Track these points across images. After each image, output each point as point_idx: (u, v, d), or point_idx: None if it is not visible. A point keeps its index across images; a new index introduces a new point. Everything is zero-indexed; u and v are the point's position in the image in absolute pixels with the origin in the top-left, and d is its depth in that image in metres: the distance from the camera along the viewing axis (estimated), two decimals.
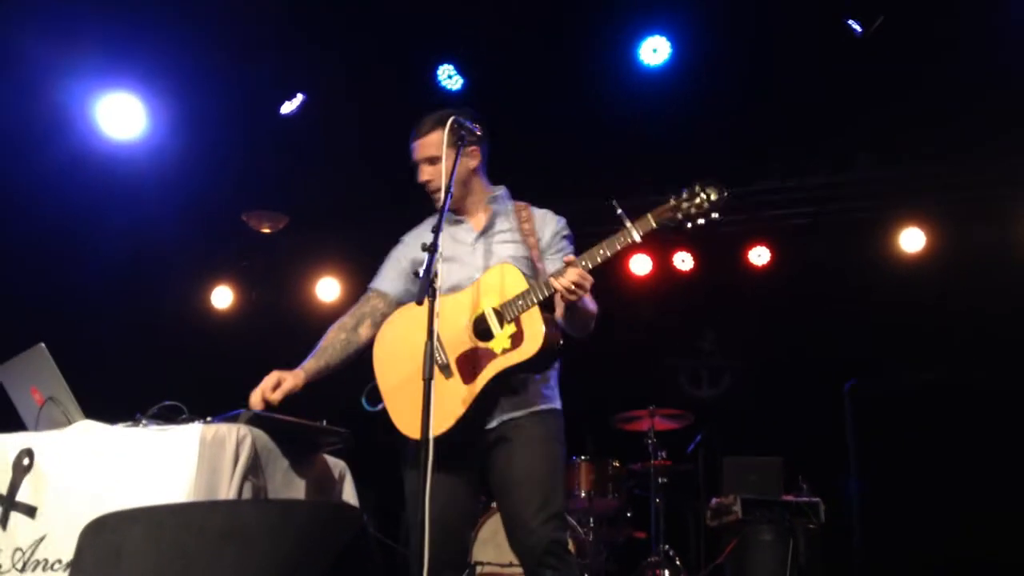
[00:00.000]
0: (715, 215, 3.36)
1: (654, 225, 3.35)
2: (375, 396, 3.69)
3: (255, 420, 3.29)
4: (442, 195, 3.36)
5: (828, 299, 7.46)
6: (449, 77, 6.81)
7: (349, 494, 3.69)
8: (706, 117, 6.75)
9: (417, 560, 2.87)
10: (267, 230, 8.07)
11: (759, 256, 7.96)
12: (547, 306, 3.42)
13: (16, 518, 3.14)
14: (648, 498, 6.72)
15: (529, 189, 7.65)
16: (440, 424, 3.25)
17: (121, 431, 3.21)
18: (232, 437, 3.16)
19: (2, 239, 6.68)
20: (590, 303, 3.48)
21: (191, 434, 3.12)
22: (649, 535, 6.74)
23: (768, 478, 6.43)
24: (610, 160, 6.93)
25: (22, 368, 3.46)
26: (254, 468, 3.20)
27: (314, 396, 7.41)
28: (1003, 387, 6.47)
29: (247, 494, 3.13)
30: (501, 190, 3.82)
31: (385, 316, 3.73)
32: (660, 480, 6.73)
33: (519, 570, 6.03)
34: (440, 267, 3.46)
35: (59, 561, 3.03)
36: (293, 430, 3.45)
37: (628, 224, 3.34)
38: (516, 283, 3.43)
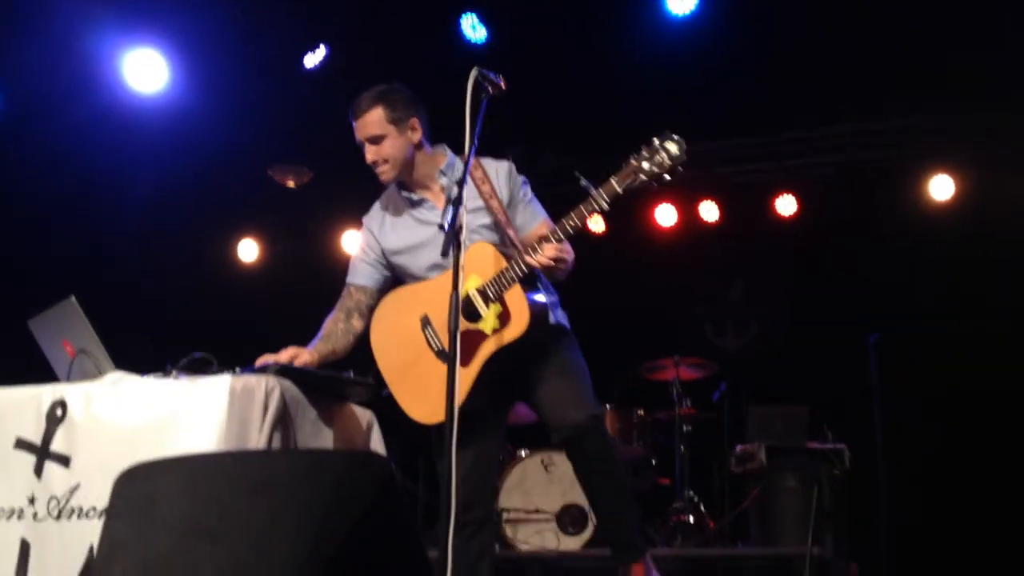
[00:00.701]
0: (679, 168, 3.35)
1: (619, 190, 3.36)
2: (382, 382, 3.72)
3: (283, 371, 3.34)
4: (467, 150, 3.33)
5: (855, 248, 7.41)
6: (473, 28, 6.75)
7: (377, 443, 3.74)
8: (732, 67, 6.68)
9: (446, 520, 2.91)
10: (292, 184, 8.09)
11: (786, 205, 7.90)
12: (528, 280, 3.45)
13: (50, 467, 3.20)
14: (673, 446, 6.76)
15: (553, 140, 7.69)
16: (443, 408, 3.23)
17: (152, 382, 3.26)
18: (261, 388, 3.20)
19: (32, 194, 6.74)
20: (571, 253, 3.53)
21: (221, 385, 3.17)
22: (674, 482, 6.79)
23: (793, 426, 6.44)
24: (634, 112, 6.86)
25: (53, 321, 3.51)
26: (283, 419, 3.24)
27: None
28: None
29: (276, 444, 3.18)
30: (447, 155, 3.79)
31: (371, 308, 3.77)
32: (685, 428, 6.76)
33: (544, 515, 6.14)
34: (403, 259, 3.66)
35: (93, 509, 3.10)
36: (320, 381, 3.49)
37: (594, 192, 3.36)
38: (494, 260, 3.46)
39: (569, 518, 6.12)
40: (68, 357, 3.45)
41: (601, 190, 3.37)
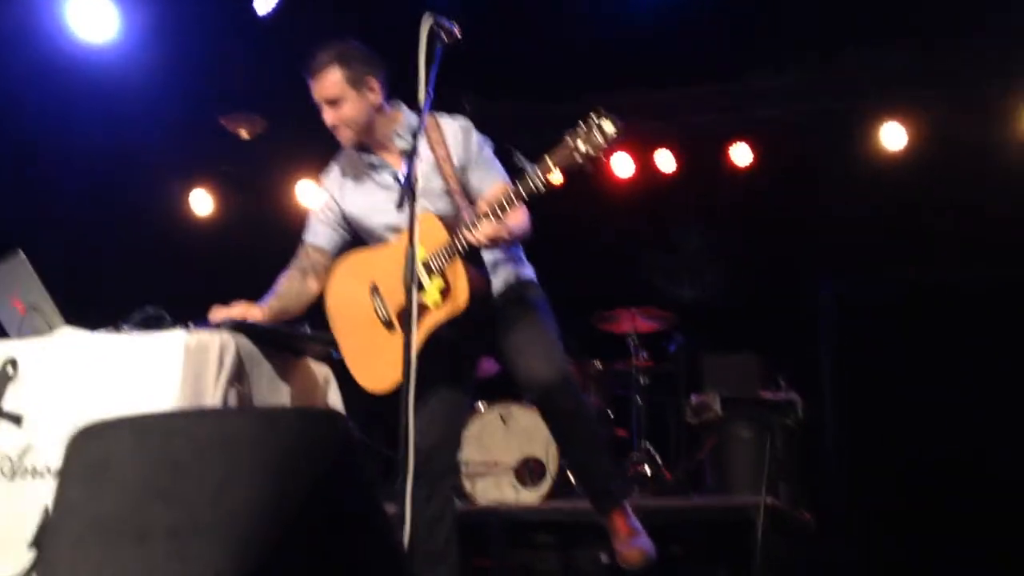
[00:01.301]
0: (611, 146, 3.32)
1: (553, 169, 3.30)
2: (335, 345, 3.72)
3: (238, 326, 3.30)
4: (422, 100, 3.29)
5: (811, 197, 7.44)
6: None
7: (334, 399, 3.73)
8: (686, 14, 6.63)
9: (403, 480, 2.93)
10: (245, 134, 7.96)
11: (741, 154, 7.91)
12: (471, 253, 3.44)
13: (2, 426, 3.16)
14: (630, 397, 6.80)
15: (508, 87, 7.63)
16: (390, 376, 3.31)
17: (104, 338, 3.22)
18: (216, 344, 3.18)
19: None
20: (519, 229, 3.51)
21: (175, 341, 3.14)
22: (631, 433, 6.84)
23: (746, 376, 6.52)
24: (589, 60, 6.82)
25: (1, 277, 3.44)
26: (239, 374, 3.22)
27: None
28: (984, 287, 6.53)
29: (232, 400, 3.16)
30: (404, 113, 3.70)
31: (327, 268, 3.73)
32: (642, 380, 6.80)
33: (502, 468, 6.16)
34: (361, 222, 3.64)
35: (47, 468, 3.07)
36: (276, 336, 3.47)
37: (529, 171, 3.31)
38: (438, 232, 3.42)
39: (527, 471, 6.16)
40: (18, 314, 3.39)
41: (537, 169, 3.31)
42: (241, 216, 8.50)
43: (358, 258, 3.73)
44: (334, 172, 3.81)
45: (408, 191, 3.15)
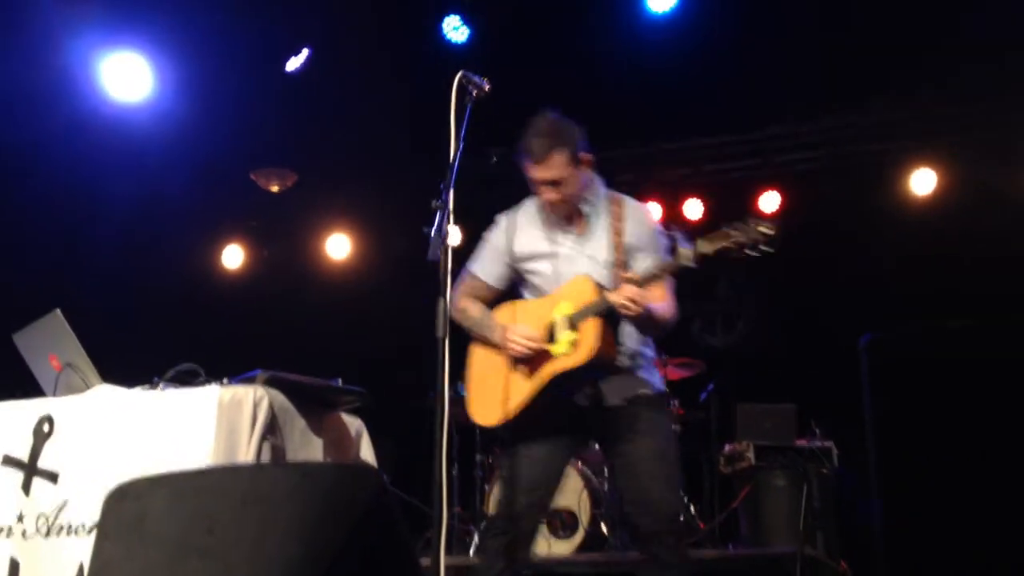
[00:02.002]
0: (768, 249, 3.40)
1: (709, 253, 3.42)
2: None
3: (271, 381, 3.31)
4: (453, 154, 3.32)
5: (840, 243, 7.41)
6: (455, 28, 6.74)
7: (366, 452, 3.72)
8: (714, 64, 6.68)
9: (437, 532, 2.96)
10: (276, 188, 8.05)
11: (770, 201, 7.91)
12: (612, 317, 3.51)
13: (39, 484, 3.18)
14: None
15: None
16: (498, 411, 3.60)
17: (139, 395, 3.24)
18: (249, 398, 3.18)
19: (11, 206, 6.68)
20: (660, 311, 3.56)
21: (209, 396, 3.15)
22: None
23: (781, 424, 6.44)
24: (617, 110, 6.87)
25: (39, 335, 3.48)
26: (272, 428, 3.23)
27: (329, 355, 7.44)
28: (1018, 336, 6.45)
29: (266, 454, 3.16)
30: (599, 187, 3.79)
31: (486, 301, 3.83)
32: (674, 427, 6.74)
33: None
34: (541, 265, 3.71)
35: (82, 526, 3.07)
36: (309, 390, 3.47)
37: (684, 249, 3.44)
38: (588, 293, 3.53)
39: (560, 522, 6.11)
40: (54, 371, 3.42)
41: (695, 249, 3.43)
42: (272, 268, 8.57)
43: (510, 308, 3.79)
44: (510, 217, 3.87)
45: (440, 242, 3.16)
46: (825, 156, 7.79)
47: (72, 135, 6.53)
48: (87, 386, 3.34)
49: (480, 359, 3.78)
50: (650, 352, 3.76)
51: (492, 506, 6.11)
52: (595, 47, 6.68)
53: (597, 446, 6.26)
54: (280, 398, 3.31)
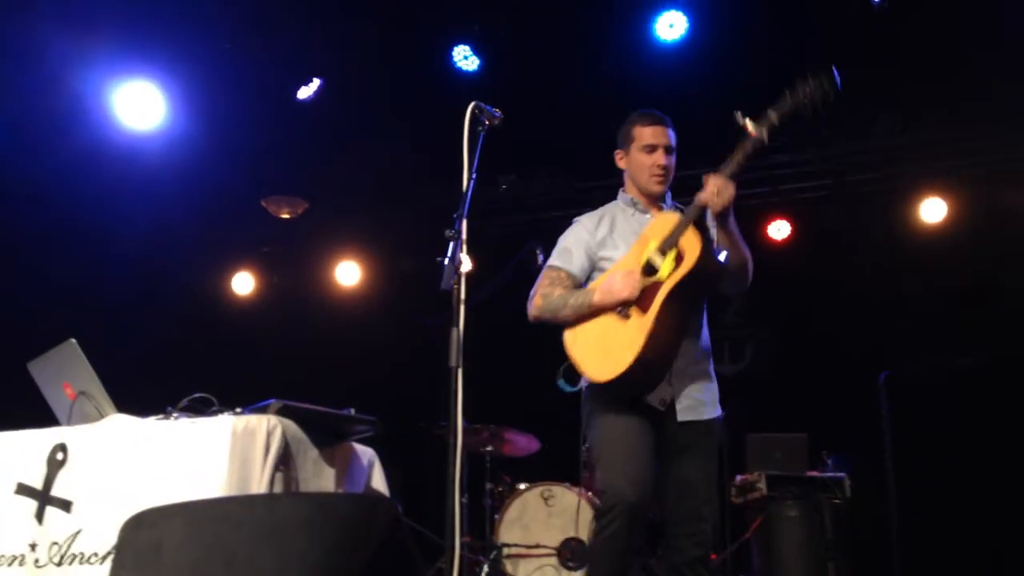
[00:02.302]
0: (832, 97, 3.51)
1: (776, 122, 3.55)
2: (571, 374, 3.91)
3: (284, 410, 3.31)
4: (465, 184, 3.34)
5: (850, 272, 7.40)
6: (465, 58, 6.78)
7: (379, 482, 3.71)
8: (721, 91, 6.69)
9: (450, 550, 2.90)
10: (286, 215, 8.08)
11: (779, 230, 7.90)
12: (702, 228, 3.62)
13: (52, 512, 3.17)
14: None
15: (543, 167, 7.71)
16: (622, 360, 3.53)
17: (153, 424, 3.24)
18: (262, 428, 3.18)
19: (26, 235, 6.71)
20: (743, 245, 3.72)
21: (222, 426, 3.14)
22: None
23: (793, 454, 6.40)
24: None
25: (53, 363, 3.49)
26: (284, 458, 3.22)
27: (338, 382, 7.45)
28: None
29: (278, 484, 3.15)
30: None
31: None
32: None
33: (544, 551, 6.09)
34: (611, 258, 3.79)
35: (95, 555, 3.06)
36: (322, 419, 3.47)
37: (751, 127, 3.55)
38: (672, 220, 3.66)
39: (570, 552, 6.07)
40: (68, 400, 3.42)
41: (759, 124, 3.56)
42: (281, 296, 8.59)
43: (603, 275, 3.82)
44: (593, 216, 3.99)
45: (453, 271, 3.17)
46: (833, 184, 7.78)
47: (85, 163, 6.57)
48: (101, 415, 3.34)
49: (583, 331, 3.74)
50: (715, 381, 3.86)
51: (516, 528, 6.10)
52: (604, 75, 6.71)
53: None
54: (293, 428, 3.30)
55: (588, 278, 3.88)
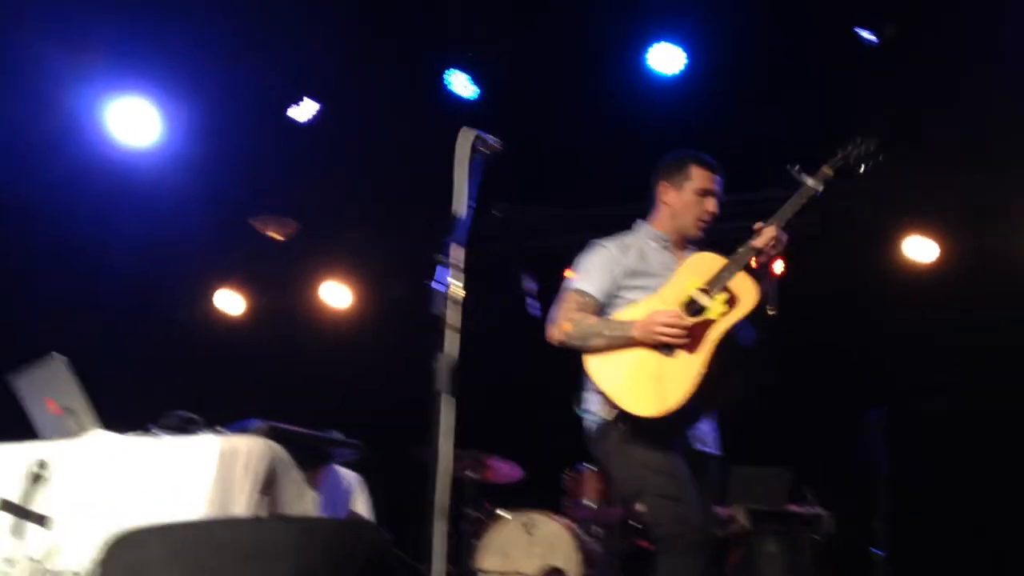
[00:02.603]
0: (879, 158, 3.78)
1: (831, 175, 3.70)
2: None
3: (269, 431, 3.30)
4: (462, 209, 3.33)
5: (837, 309, 7.42)
6: (463, 86, 6.79)
7: (362, 505, 3.70)
8: (713, 126, 6.73)
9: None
10: (276, 235, 8.07)
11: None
12: (752, 270, 3.63)
13: (30, 528, 3.14)
14: None
15: (539, 196, 7.73)
16: (672, 396, 3.48)
17: (136, 442, 3.22)
18: (246, 449, 3.17)
19: (14, 249, 6.68)
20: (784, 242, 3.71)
21: (206, 445, 3.13)
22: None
23: (775, 489, 6.40)
24: (620, 168, 6.92)
25: (37, 378, 3.47)
26: (268, 480, 3.21)
27: (324, 404, 7.42)
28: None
29: (261, 505, 3.14)
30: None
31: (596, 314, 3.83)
32: None
33: None
34: (653, 281, 3.74)
35: (74, 572, 3.03)
36: (306, 441, 3.46)
37: (808, 180, 3.68)
38: (716, 263, 3.63)
39: None
40: (51, 415, 3.40)
41: (815, 178, 3.69)
42: (269, 315, 8.56)
43: (634, 306, 3.75)
44: (618, 241, 3.92)
45: (444, 296, 3.17)
46: (821, 221, 7.80)
47: (78, 180, 6.55)
48: (84, 431, 3.32)
49: (614, 362, 3.65)
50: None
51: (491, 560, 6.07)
52: (599, 107, 6.74)
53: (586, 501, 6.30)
54: (277, 449, 3.29)
55: (608, 303, 3.82)
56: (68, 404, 3.36)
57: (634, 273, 3.79)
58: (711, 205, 3.86)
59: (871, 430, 6.08)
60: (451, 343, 3.14)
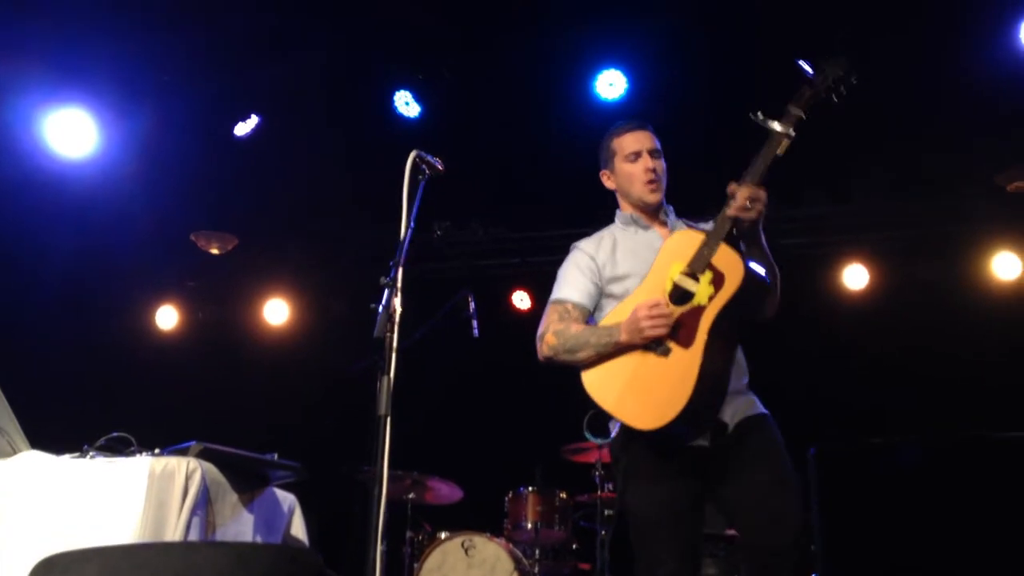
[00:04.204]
0: (852, 80, 3.35)
1: (802, 115, 3.33)
2: (596, 424, 3.65)
3: (205, 453, 3.25)
4: (404, 232, 3.32)
5: (771, 337, 7.48)
6: (406, 104, 6.79)
7: (298, 528, 3.66)
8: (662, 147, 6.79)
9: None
10: (216, 251, 7.97)
11: None
12: (733, 243, 3.30)
13: None
14: (594, 530, 6.71)
15: (478, 215, 7.74)
16: (672, 404, 3.14)
17: (68, 463, 3.16)
18: (181, 470, 3.12)
19: None
20: (772, 260, 3.40)
21: (139, 467, 3.08)
22: (594, 567, 6.73)
23: (712, 511, 6.43)
24: (564, 192, 6.95)
25: None
26: (203, 502, 3.16)
27: (258, 421, 7.31)
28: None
29: (195, 528, 3.09)
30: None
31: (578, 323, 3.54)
32: (606, 512, 6.72)
33: None
34: (621, 284, 3.49)
35: None
36: (244, 463, 3.42)
37: (776, 126, 3.33)
38: (693, 240, 3.31)
39: None
40: None
41: (783, 122, 3.32)
42: (207, 331, 8.45)
43: (618, 309, 3.42)
44: (592, 241, 3.68)
45: (387, 319, 3.14)
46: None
47: (11, 190, 6.42)
48: (14, 451, 3.25)
49: (609, 373, 3.35)
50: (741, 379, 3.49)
51: None
52: (543, 129, 6.77)
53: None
54: (213, 471, 3.25)
55: (597, 307, 3.57)
56: None
57: (606, 265, 3.55)
58: (646, 162, 3.58)
59: (809, 466, 6.13)
60: (393, 364, 3.12)
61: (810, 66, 3.38)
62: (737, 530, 3.40)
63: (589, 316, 3.54)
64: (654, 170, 3.59)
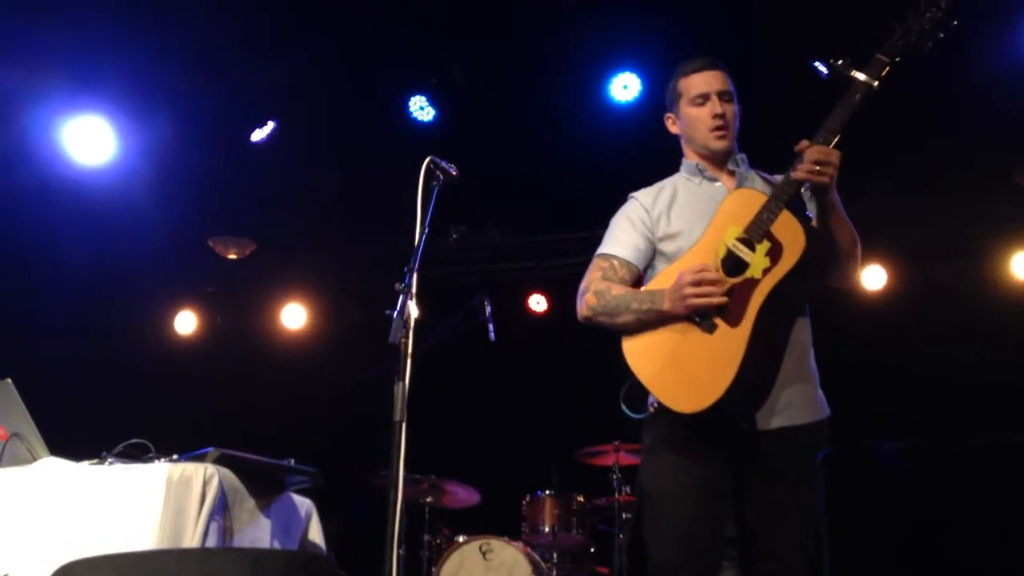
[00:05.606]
0: (953, 23, 3.00)
1: (889, 63, 2.99)
2: (633, 397, 3.43)
3: (222, 459, 3.27)
4: (418, 237, 3.32)
5: None
6: (421, 108, 6.80)
7: (315, 534, 3.67)
8: (674, 150, 6.78)
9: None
10: (234, 256, 8.01)
11: None
12: (800, 209, 3.03)
13: None
14: (612, 533, 6.70)
15: (494, 219, 7.74)
16: (714, 386, 2.87)
17: (86, 469, 3.17)
18: (199, 476, 3.13)
19: None
20: (849, 223, 3.08)
21: (157, 473, 3.09)
22: (612, 571, 6.71)
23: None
24: (579, 194, 6.95)
25: None
26: (221, 509, 3.17)
27: (277, 426, 7.34)
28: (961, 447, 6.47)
29: (213, 534, 3.10)
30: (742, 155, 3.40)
31: (625, 282, 3.24)
32: (624, 515, 6.70)
33: None
34: (676, 241, 3.19)
35: None
36: (261, 469, 3.43)
37: (859, 75, 2.99)
38: (755, 201, 2.98)
39: None
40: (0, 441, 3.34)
41: (867, 70, 2.99)
42: (225, 336, 8.48)
43: (667, 272, 3.14)
44: (650, 192, 3.40)
45: (402, 325, 3.15)
46: None
47: (31, 198, 6.47)
48: (33, 457, 3.27)
49: (651, 344, 3.05)
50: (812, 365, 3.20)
51: None
52: (558, 132, 6.77)
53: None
54: (231, 477, 3.26)
55: (649, 266, 3.27)
56: (16, 429, 3.30)
57: (659, 220, 3.24)
58: (715, 106, 3.23)
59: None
60: (408, 370, 3.12)
61: (825, 66, 3.13)
62: (738, 550, 3.20)
63: (638, 274, 3.26)
64: (723, 115, 3.25)
